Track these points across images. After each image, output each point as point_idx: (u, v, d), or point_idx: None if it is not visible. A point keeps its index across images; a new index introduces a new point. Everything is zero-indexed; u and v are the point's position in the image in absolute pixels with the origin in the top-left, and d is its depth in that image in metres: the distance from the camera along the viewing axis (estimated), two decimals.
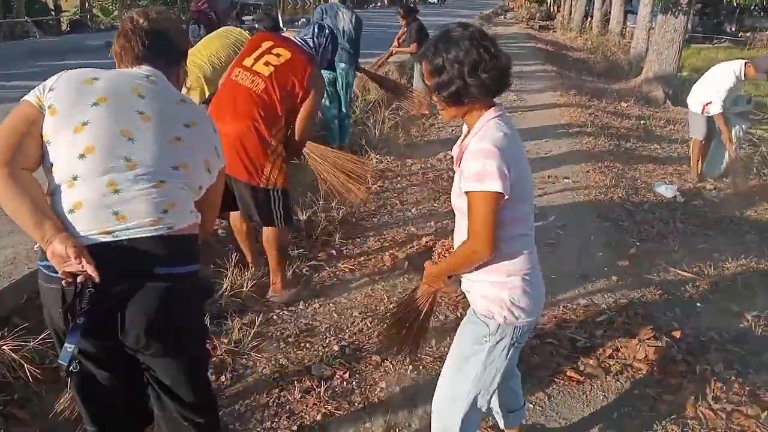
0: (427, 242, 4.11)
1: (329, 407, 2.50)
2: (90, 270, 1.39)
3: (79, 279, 1.41)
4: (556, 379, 2.75)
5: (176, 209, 1.56)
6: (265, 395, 2.56)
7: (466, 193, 1.66)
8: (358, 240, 4.19)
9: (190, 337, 1.67)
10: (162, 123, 1.57)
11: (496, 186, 1.60)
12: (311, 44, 3.23)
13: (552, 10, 35.94)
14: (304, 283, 3.50)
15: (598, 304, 3.43)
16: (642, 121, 8.68)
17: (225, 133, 2.93)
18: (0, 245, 3.22)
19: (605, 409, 2.62)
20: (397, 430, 2.44)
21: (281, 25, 3.77)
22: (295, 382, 2.64)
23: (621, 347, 2.96)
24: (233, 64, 3.16)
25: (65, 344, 1.43)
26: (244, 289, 3.23)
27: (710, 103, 5.60)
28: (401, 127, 6.96)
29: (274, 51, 3.04)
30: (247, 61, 3.05)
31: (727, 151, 5.78)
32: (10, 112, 1.53)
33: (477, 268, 1.77)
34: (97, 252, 1.43)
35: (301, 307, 3.29)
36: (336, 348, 2.91)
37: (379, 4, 45.37)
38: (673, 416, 2.55)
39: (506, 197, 1.62)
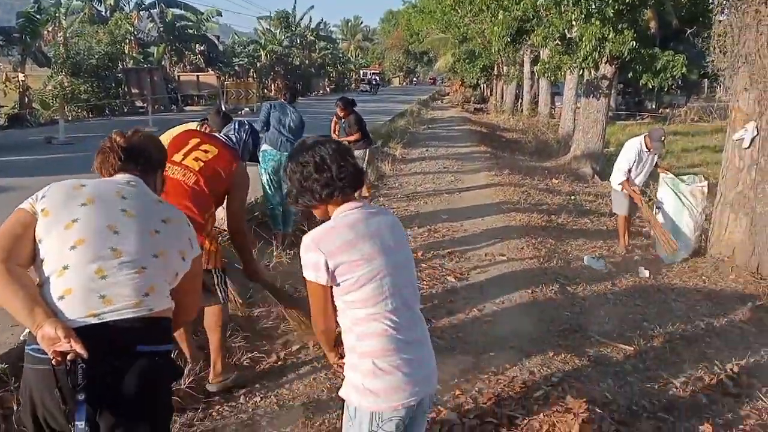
0: None
1: None
2: (79, 348, 1.53)
3: (69, 357, 1.54)
4: None
5: (155, 293, 1.75)
6: None
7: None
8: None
9: (165, 416, 1.82)
10: (143, 218, 1.82)
11: (310, 276, 1.79)
12: (234, 139, 3.43)
13: (485, 93, 38.10)
14: (245, 373, 3.47)
15: (535, 379, 3.53)
16: (572, 197, 9.17)
17: None
18: None
19: None
20: None
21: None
22: None
23: (557, 422, 3.03)
24: None
25: (76, 423, 1.56)
26: (182, 386, 3.18)
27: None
28: None
29: (202, 147, 3.22)
30: (177, 157, 3.18)
31: (650, 223, 6.18)
32: None
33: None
34: (83, 333, 1.58)
35: (241, 401, 3.25)
36: None
37: (321, 92, 46.96)
38: None
39: (327, 285, 1.79)
